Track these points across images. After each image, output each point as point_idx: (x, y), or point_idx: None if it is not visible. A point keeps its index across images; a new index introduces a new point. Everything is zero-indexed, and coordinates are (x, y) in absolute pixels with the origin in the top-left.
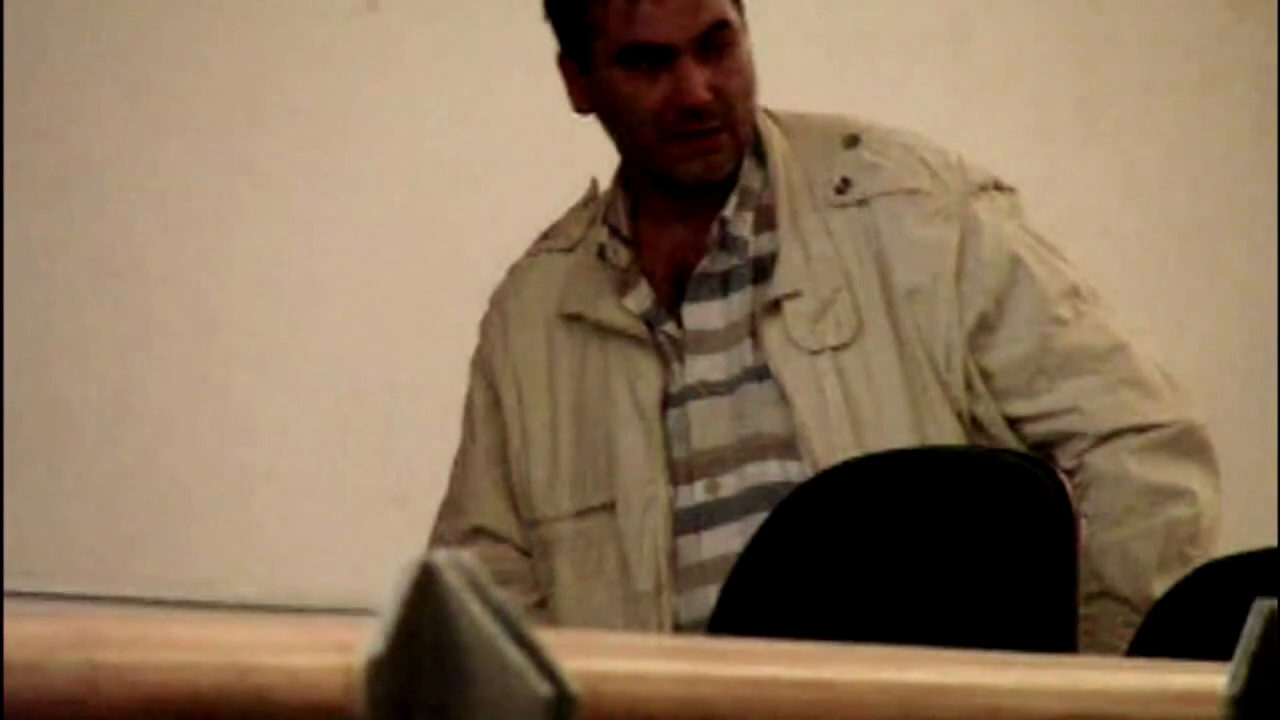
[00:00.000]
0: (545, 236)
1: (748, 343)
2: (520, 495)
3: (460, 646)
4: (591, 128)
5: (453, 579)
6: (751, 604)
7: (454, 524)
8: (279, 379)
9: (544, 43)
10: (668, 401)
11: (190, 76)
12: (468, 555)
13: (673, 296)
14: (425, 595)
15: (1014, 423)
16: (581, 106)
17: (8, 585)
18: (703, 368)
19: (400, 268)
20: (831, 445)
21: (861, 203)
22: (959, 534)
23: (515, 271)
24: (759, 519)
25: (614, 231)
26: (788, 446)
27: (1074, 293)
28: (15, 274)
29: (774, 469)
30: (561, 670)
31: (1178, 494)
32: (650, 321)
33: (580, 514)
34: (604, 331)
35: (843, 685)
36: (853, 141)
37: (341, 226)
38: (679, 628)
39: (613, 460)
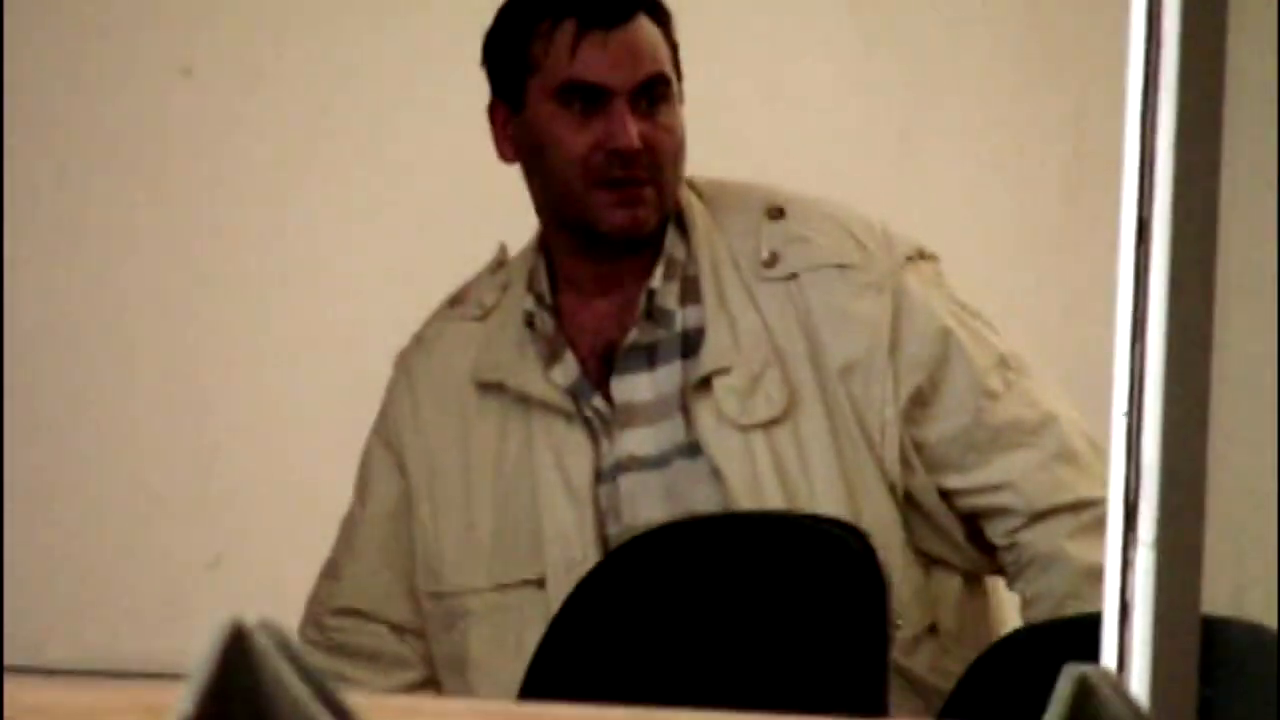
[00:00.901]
0: (453, 303)
1: (678, 418)
2: (422, 565)
3: (270, 710)
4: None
5: (262, 641)
6: (563, 669)
7: (330, 590)
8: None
9: None
10: (598, 477)
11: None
12: (274, 621)
13: (600, 370)
14: (236, 657)
15: (947, 495)
16: (506, 153)
17: None
18: (632, 442)
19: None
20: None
21: (790, 276)
22: (770, 597)
23: (422, 337)
24: None
25: (539, 300)
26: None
27: (1003, 363)
28: None
29: None
30: None
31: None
32: (576, 395)
33: (501, 587)
34: (527, 403)
35: None
36: (778, 213)
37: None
38: None
39: (540, 536)
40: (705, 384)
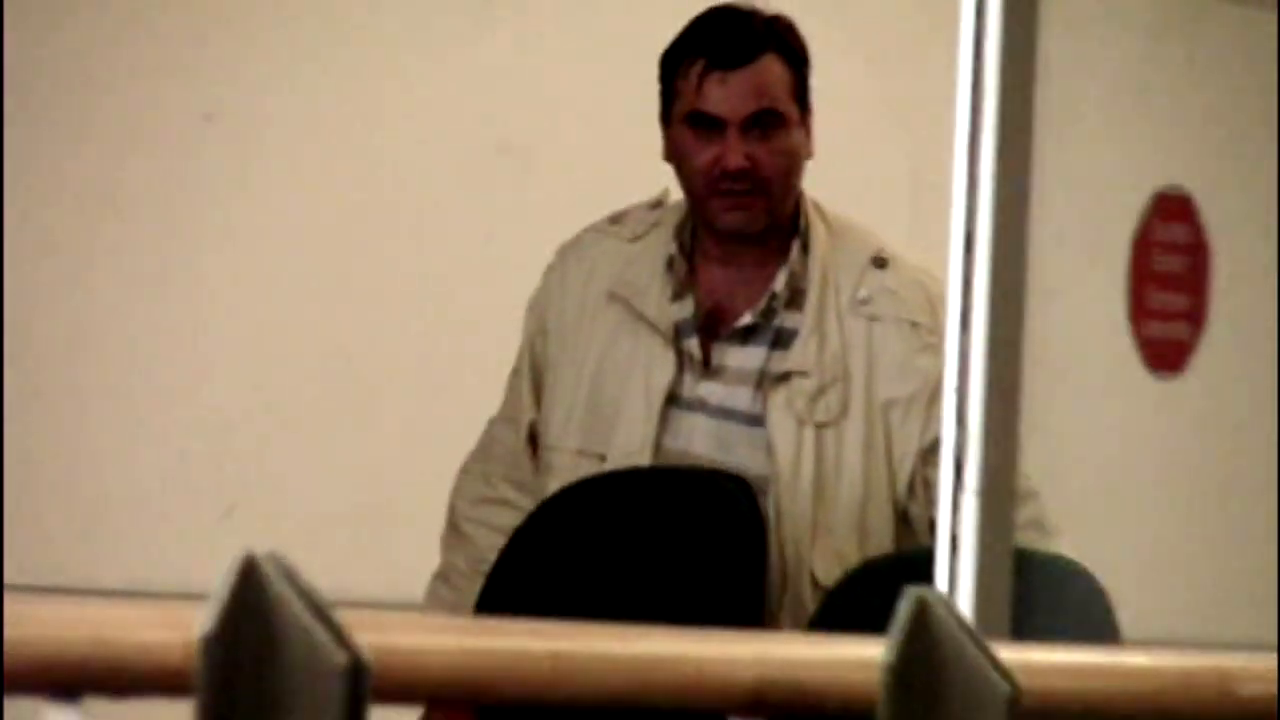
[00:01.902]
0: (614, 220)
1: (749, 391)
2: (540, 418)
3: (275, 624)
4: None
5: (270, 570)
6: (512, 591)
7: (507, 432)
8: (135, 396)
9: None
10: (670, 400)
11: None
12: (280, 554)
13: (706, 323)
14: (248, 583)
15: (917, 522)
16: (667, 152)
17: None
18: (706, 390)
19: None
20: (793, 495)
21: (873, 318)
22: (674, 535)
23: (584, 238)
24: None
25: (681, 249)
26: (753, 483)
27: None
28: None
29: None
30: (357, 643)
31: None
32: (679, 331)
33: (579, 452)
34: (641, 321)
35: (582, 655)
36: (882, 264)
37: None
38: None
39: (614, 424)
40: (785, 377)
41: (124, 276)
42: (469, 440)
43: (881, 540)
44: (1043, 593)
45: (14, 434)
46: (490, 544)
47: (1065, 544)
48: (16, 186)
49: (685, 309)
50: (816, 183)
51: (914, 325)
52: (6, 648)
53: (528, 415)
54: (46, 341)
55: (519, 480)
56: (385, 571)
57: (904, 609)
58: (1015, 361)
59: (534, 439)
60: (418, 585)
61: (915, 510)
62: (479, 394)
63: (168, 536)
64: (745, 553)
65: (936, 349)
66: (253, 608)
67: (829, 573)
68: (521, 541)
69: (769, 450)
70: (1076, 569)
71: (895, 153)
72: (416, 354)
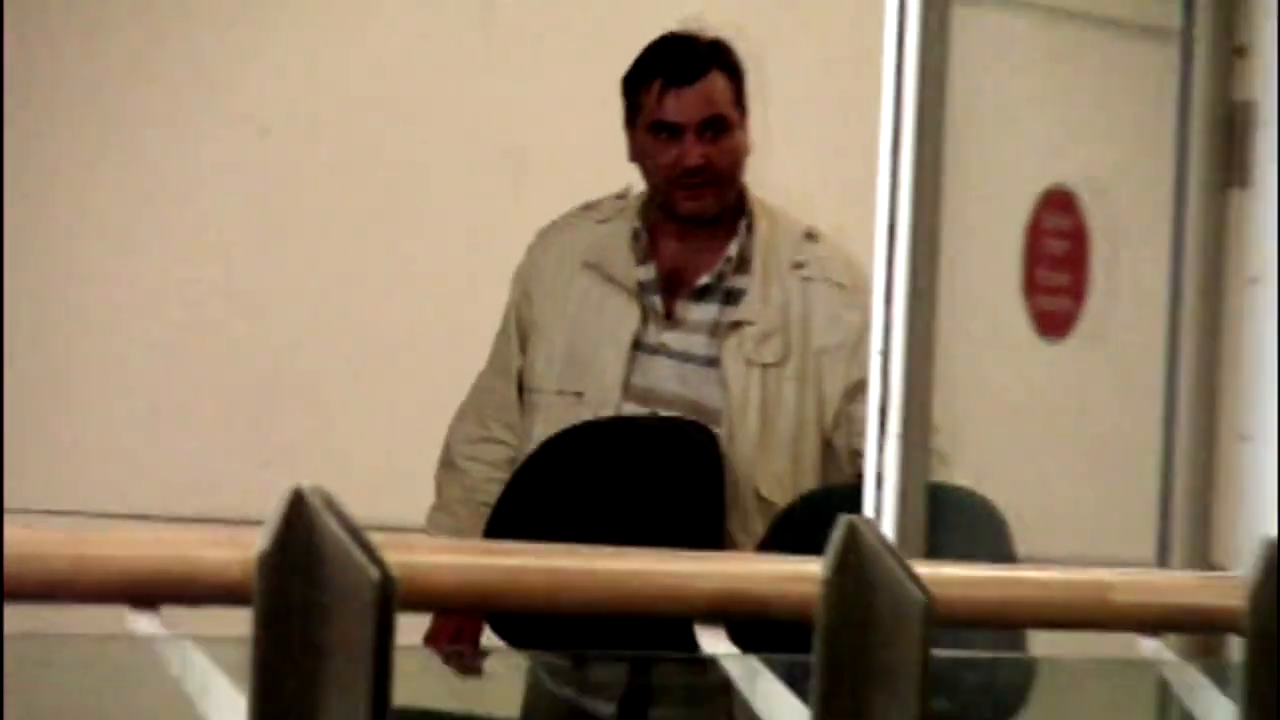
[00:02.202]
0: (586, 208)
1: (705, 338)
2: (525, 366)
3: (319, 545)
4: None
5: (314, 500)
6: (514, 520)
7: (497, 381)
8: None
9: None
10: (638, 346)
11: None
12: (323, 487)
13: (666, 284)
14: (296, 511)
15: (855, 454)
16: (632, 154)
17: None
18: (669, 337)
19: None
20: (744, 423)
21: (807, 280)
22: (650, 474)
23: (560, 221)
24: None
25: (646, 225)
26: (706, 411)
27: None
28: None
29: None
30: (388, 561)
31: None
32: (643, 289)
33: (559, 392)
34: (611, 282)
35: (572, 571)
36: (813, 237)
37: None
38: None
39: (589, 367)
40: (737, 326)
41: (192, 266)
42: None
43: (812, 464)
44: (951, 519)
45: (105, 396)
46: (484, 476)
47: (970, 478)
48: (95, 190)
49: (649, 272)
50: (766, 177)
51: (840, 286)
52: (96, 567)
53: (515, 364)
54: (138, 315)
55: (509, 421)
56: (409, 501)
57: (837, 533)
58: (930, 329)
59: (520, 387)
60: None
61: (839, 440)
62: (477, 358)
63: (228, 471)
64: (709, 490)
65: (858, 306)
66: (300, 531)
67: (770, 489)
68: (522, 478)
69: (723, 386)
70: (979, 499)
71: (830, 156)
72: (428, 325)
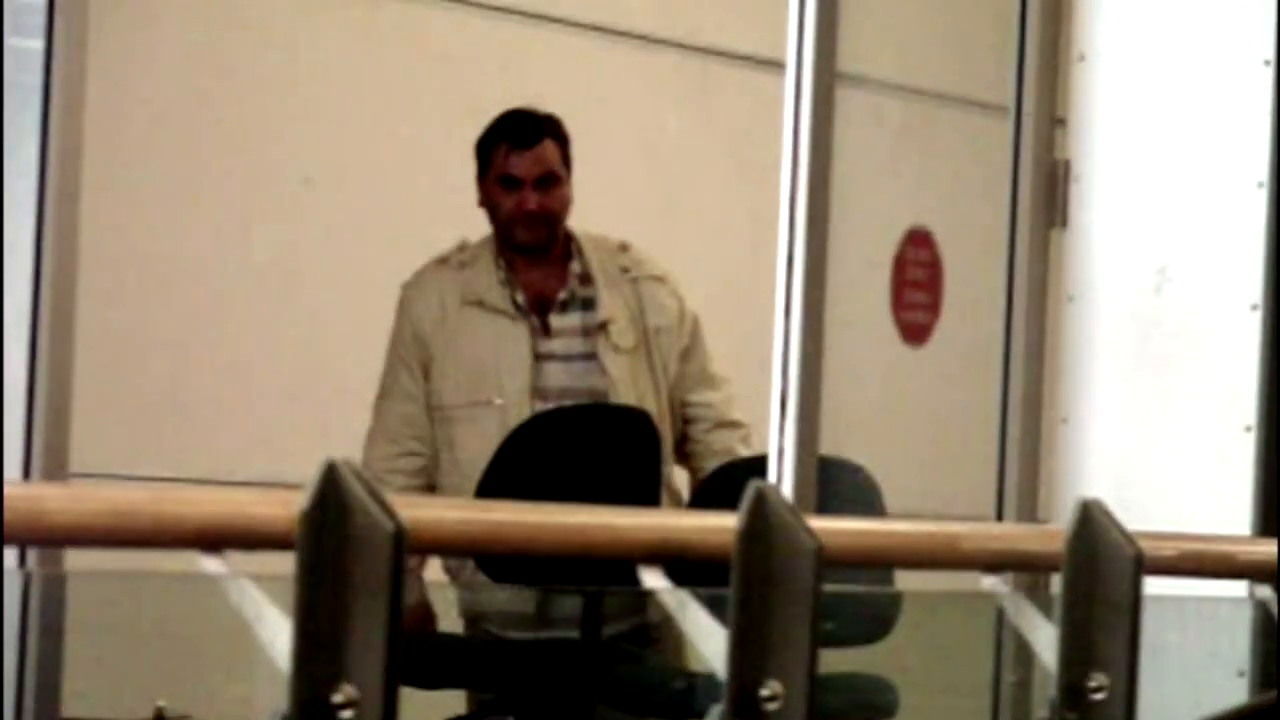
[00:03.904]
0: (441, 261)
1: (579, 340)
2: (433, 393)
3: (347, 504)
4: None
5: (345, 470)
6: (500, 484)
7: (404, 405)
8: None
9: None
10: (534, 356)
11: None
12: (353, 460)
13: (535, 304)
14: (330, 477)
15: (683, 405)
16: (481, 201)
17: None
18: (551, 346)
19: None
20: (626, 398)
21: (634, 279)
22: (600, 445)
23: (422, 274)
24: None
25: (504, 262)
26: (599, 393)
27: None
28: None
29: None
30: (400, 516)
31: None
32: (520, 311)
33: (473, 404)
34: (496, 313)
35: (545, 523)
36: (625, 248)
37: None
38: None
39: (497, 379)
40: (603, 325)
41: (254, 286)
42: None
43: (674, 422)
44: (836, 483)
45: (193, 389)
46: (404, 484)
47: (851, 453)
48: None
49: (519, 298)
50: (686, 221)
51: (658, 279)
52: (173, 520)
53: (419, 390)
54: (208, 317)
55: (419, 436)
56: None
57: (748, 495)
58: (819, 337)
59: (428, 407)
60: None
61: (675, 395)
62: None
63: (278, 445)
64: (648, 460)
65: (673, 292)
66: (333, 493)
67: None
68: (503, 455)
69: (603, 373)
70: (857, 468)
71: (739, 201)
72: None
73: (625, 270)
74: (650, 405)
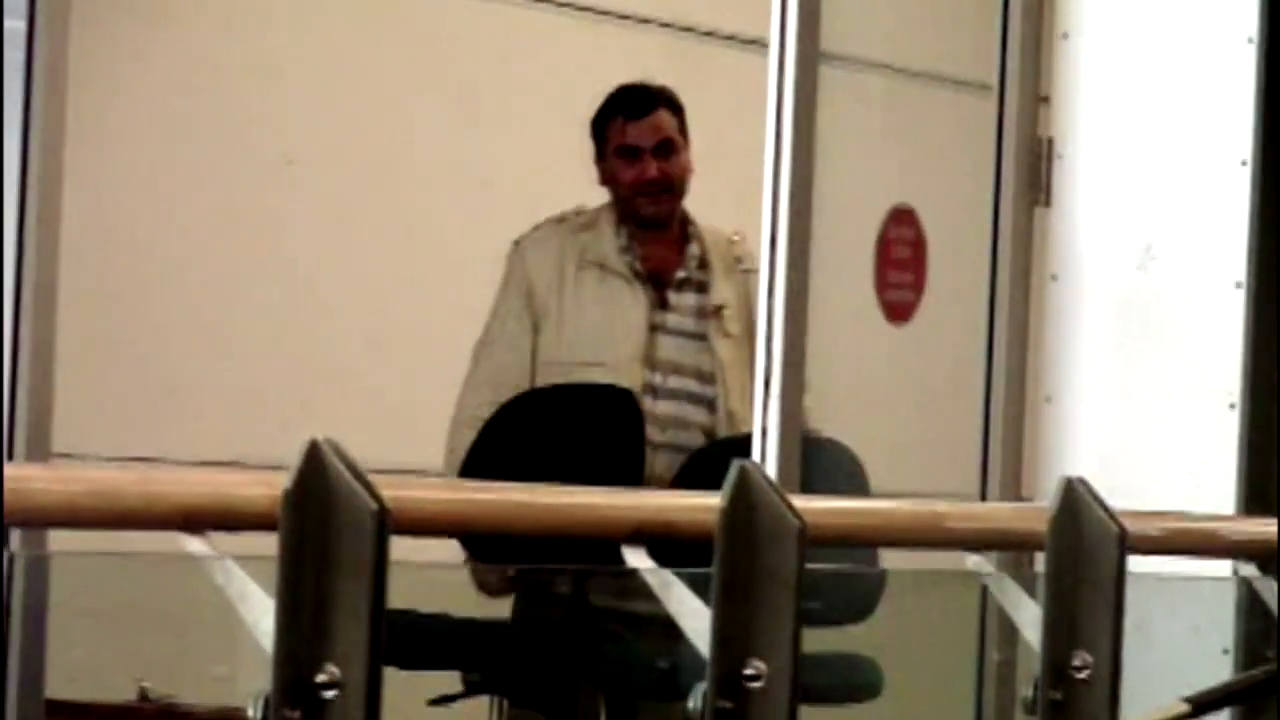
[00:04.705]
0: (560, 220)
1: (693, 320)
2: (539, 345)
3: (330, 484)
4: None
5: (327, 449)
6: (483, 464)
7: (506, 359)
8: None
9: None
10: (648, 325)
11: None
12: (335, 439)
13: (651, 277)
14: (312, 457)
15: None
16: (602, 179)
17: (82, 451)
18: (668, 319)
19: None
20: (733, 379)
21: (745, 271)
22: (584, 425)
23: (542, 232)
24: (680, 402)
25: (627, 232)
26: (705, 375)
27: None
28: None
29: (693, 384)
30: (383, 495)
31: None
32: (639, 280)
33: (582, 364)
34: (616, 276)
35: (528, 502)
36: (735, 240)
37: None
38: None
39: (609, 342)
40: (717, 309)
41: (236, 269)
42: (467, 359)
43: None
44: (820, 462)
45: (176, 370)
46: None
47: (835, 431)
48: (147, 215)
49: (639, 268)
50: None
51: (755, 272)
52: (157, 501)
53: (528, 343)
54: (195, 302)
55: (519, 385)
56: (402, 448)
57: (732, 473)
58: (803, 316)
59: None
60: (422, 458)
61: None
62: (461, 339)
63: (261, 426)
64: (631, 440)
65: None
66: (316, 473)
67: (746, 421)
68: (489, 431)
69: (713, 355)
70: (842, 447)
71: (723, 180)
72: (426, 311)
73: (739, 260)
74: (748, 397)
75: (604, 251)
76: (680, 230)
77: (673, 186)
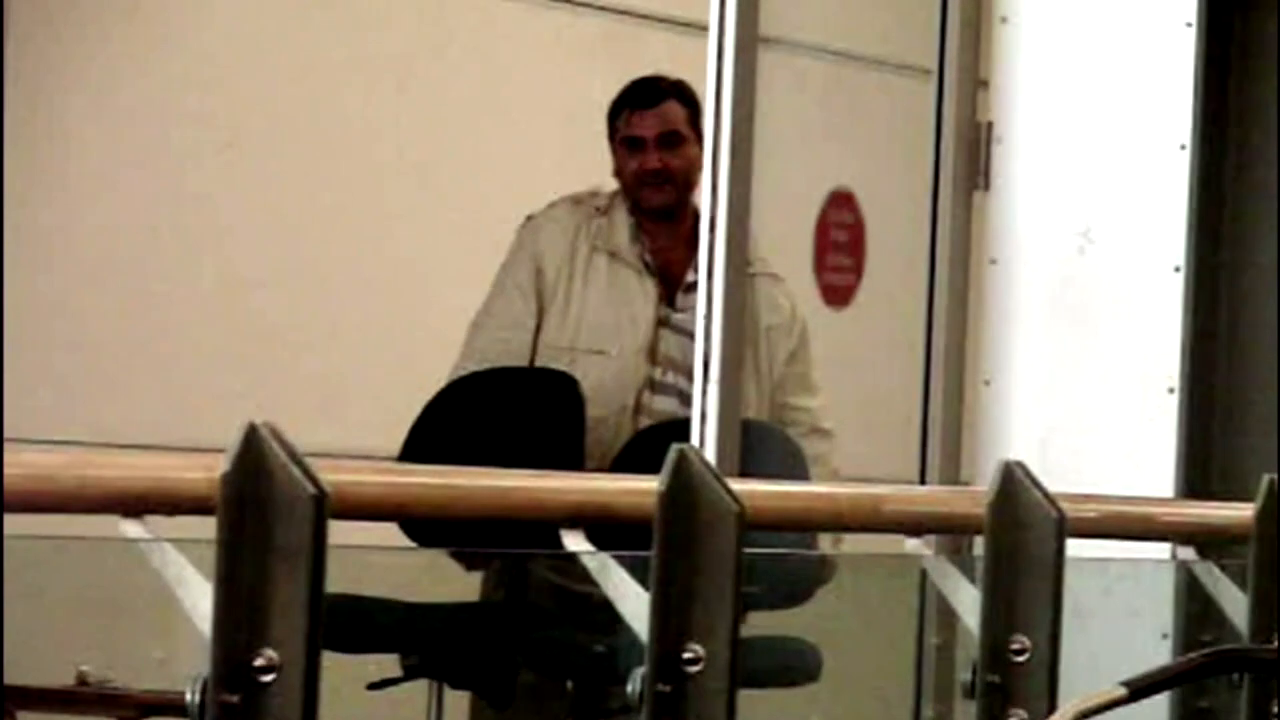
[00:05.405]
0: (577, 201)
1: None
2: (544, 324)
3: (268, 467)
4: None
5: (265, 433)
6: (425, 449)
7: (508, 335)
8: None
9: None
10: (657, 320)
11: None
12: (273, 423)
13: (662, 274)
14: (251, 440)
15: (781, 406)
16: (614, 170)
17: (19, 434)
18: (675, 316)
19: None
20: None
21: (753, 274)
22: (523, 409)
23: (557, 211)
24: (675, 399)
25: (637, 221)
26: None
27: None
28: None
29: (687, 383)
30: (322, 479)
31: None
32: (650, 273)
33: (586, 350)
34: (628, 266)
35: (465, 486)
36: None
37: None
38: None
39: (615, 331)
40: None
41: (181, 237)
42: (405, 341)
43: (762, 410)
44: (758, 447)
45: (115, 353)
46: None
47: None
48: (101, 198)
49: (649, 260)
50: (611, 184)
51: (775, 278)
52: (94, 484)
53: (532, 322)
54: (130, 282)
55: (516, 364)
56: (340, 432)
57: (670, 458)
58: (741, 300)
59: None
60: (364, 441)
61: (778, 397)
62: (410, 319)
63: (198, 408)
64: (572, 424)
65: (787, 293)
66: (253, 456)
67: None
68: (428, 415)
69: None
70: (779, 432)
71: None
72: (373, 291)
73: (747, 263)
74: (750, 401)
75: (617, 240)
76: (692, 226)
77: (674, 178)
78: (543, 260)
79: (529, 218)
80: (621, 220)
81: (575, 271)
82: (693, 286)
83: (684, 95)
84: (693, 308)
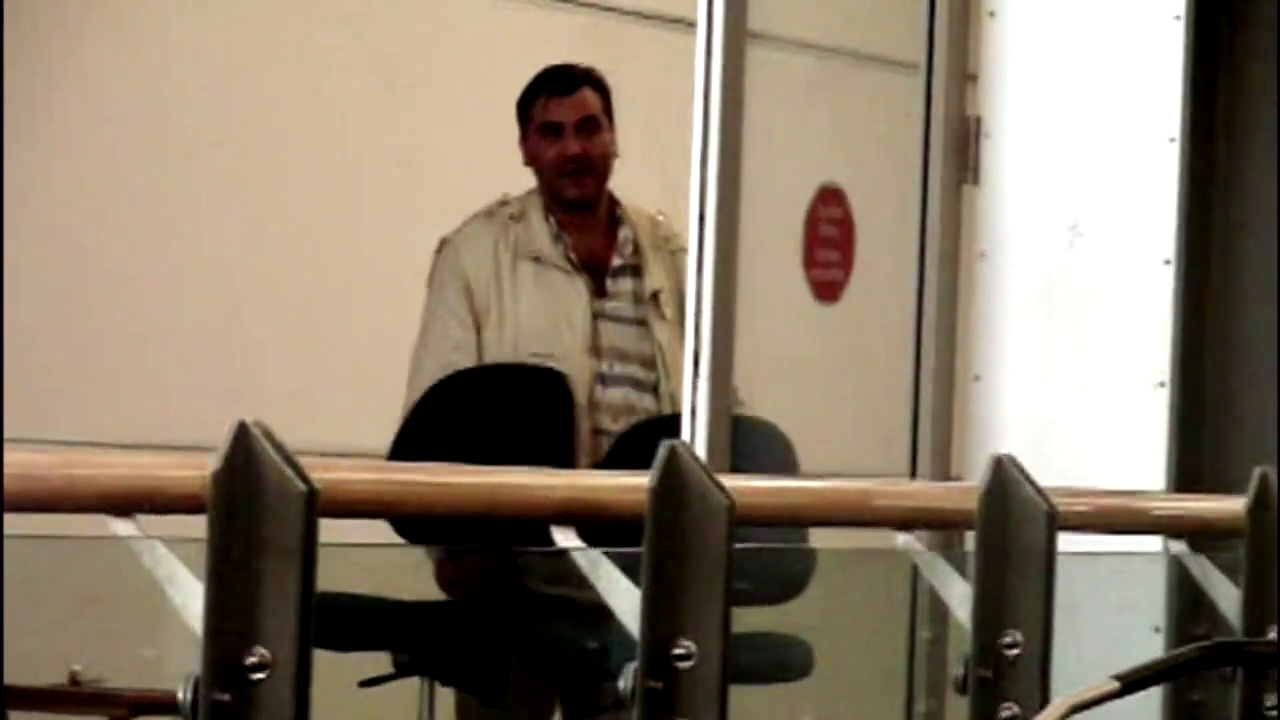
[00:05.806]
0: (489, 213)
1: (630, 305)
2: (482, 342)
3: (259, 465)
4: None
5: (256, 431)
6: (414, 447)
7: (452, 359)
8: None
9: None
10: (592, 315)
11: None
12: (263, 420)
13: (586, 265)
14: (241, 438)
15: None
16: (525, 159)
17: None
18: (608, 306)
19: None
20: (671, 365)
21: (672, 251)
22: (514, 406)
23: (473, 226)
24: (626, 388)
25: (557, 221)
26: (648, 360)
27: None
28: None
29: (638, 370)
30: (311, 476)
31: None
32: (575, 269)
33: (532, 355)
34: (553, 268)
35: (455, 483)
36: (658, 219)
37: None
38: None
39: (555, 334)
40: (655, 295)
41: (163, 252)
42: (395, 340)
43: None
44: (749, 442)
45: (103, 353)
46: None
47: (764, 411)
48: (89, 196)
49: (574, 257)
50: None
51: (684, 251)
52: (84, 483)
53: (471, 341)
54: (122, 289)
55: None
56: (331, 430)
57: (661, 453)
58: (731, 295)
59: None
60: (354, 439)
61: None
62: (391, 321)
63: (188, 408)
64: (561, 420)
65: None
66: (244, 455)
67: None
68: (418, 412)
69: (652, 340)
70: (771, 427)
71: (651, 160)
72: (355, 294)
73: (667, 240)
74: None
75: (538, 244)
76: (609, 215)
77: (594, 166)
78: (469, 278)
79: (443, 240)
80: (539, 222)
81: (503, 283)
82: (620, 270)
83: (598, 83)
84: (624, 292)
